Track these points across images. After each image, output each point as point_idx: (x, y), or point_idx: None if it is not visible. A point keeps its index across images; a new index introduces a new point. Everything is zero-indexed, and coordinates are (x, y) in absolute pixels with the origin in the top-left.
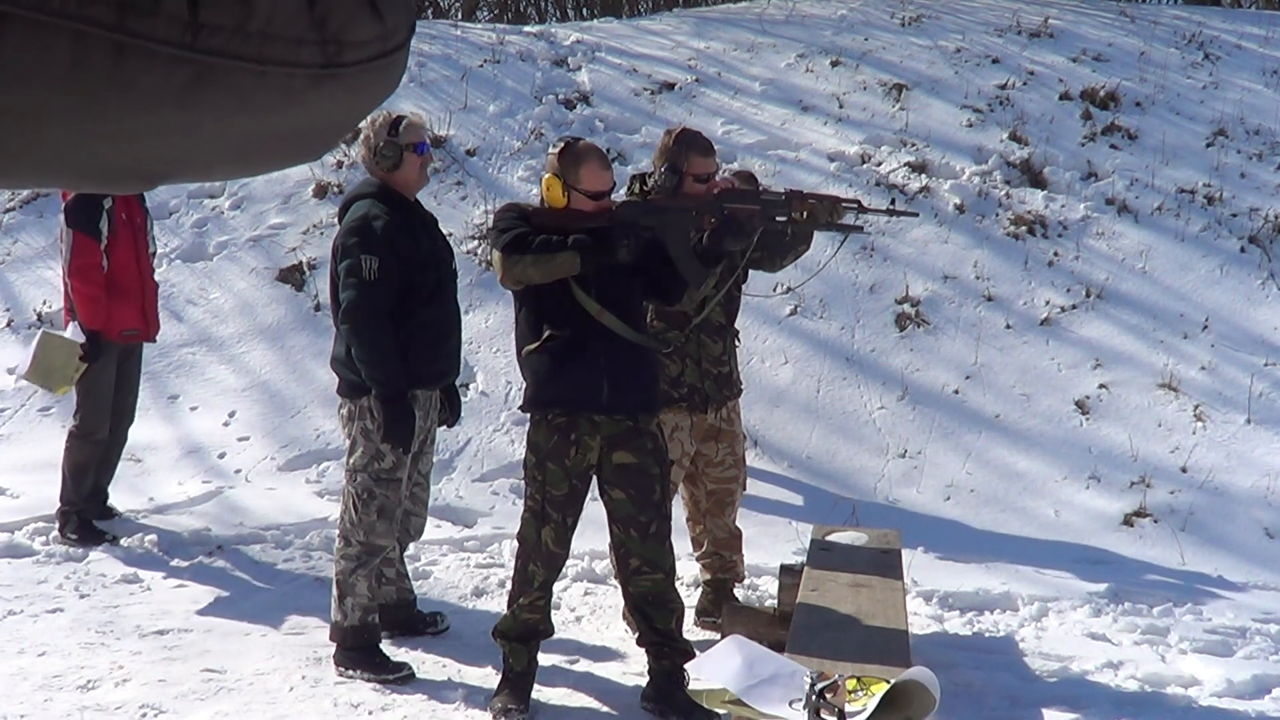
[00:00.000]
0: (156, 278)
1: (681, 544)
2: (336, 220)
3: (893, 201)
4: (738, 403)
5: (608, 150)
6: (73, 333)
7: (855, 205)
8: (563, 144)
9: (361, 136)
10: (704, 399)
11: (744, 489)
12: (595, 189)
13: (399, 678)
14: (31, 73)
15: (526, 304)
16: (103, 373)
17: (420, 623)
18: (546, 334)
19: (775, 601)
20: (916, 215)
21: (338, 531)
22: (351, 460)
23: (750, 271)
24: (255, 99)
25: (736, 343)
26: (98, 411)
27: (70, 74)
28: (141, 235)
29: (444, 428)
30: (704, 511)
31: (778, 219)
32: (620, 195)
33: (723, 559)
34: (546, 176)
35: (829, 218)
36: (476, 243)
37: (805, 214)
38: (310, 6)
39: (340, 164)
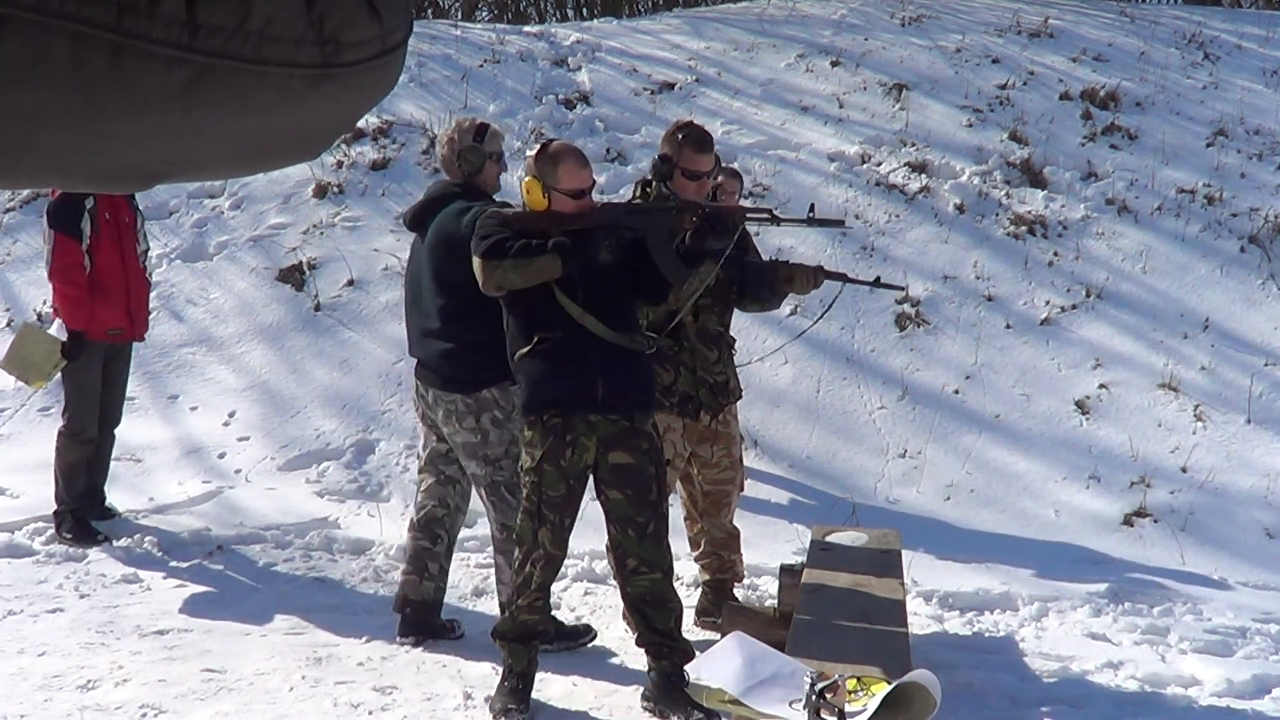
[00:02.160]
0: (156, 277)
1: (680, 544)
2: (404, 222)
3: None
4: (734, 405)
5: (607, 150)
6: (57, 330)
7: (768, 214)
8: (539, 146)
9: (445, 139)
10: (697, 407)
11: (742, 490)
12: (574, 187)
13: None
14: (31, 74)
15: (515, 309)
16: (88, 372)
17: (440, 628)
18: (536, 338)
19: (775, 601)
20: (842, 224)
21: (495, 521)
22: (486, 451)
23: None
24: (254, 99)
25: (733, 351)
26: (86, 410)
27: (70, 75)
28: (128, 234)
29: None
30: (701, 511)
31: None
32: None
33: (721, 559)
34: (526, 180)
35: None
36: None
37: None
38: (309, 7)
39: (340, 164)
